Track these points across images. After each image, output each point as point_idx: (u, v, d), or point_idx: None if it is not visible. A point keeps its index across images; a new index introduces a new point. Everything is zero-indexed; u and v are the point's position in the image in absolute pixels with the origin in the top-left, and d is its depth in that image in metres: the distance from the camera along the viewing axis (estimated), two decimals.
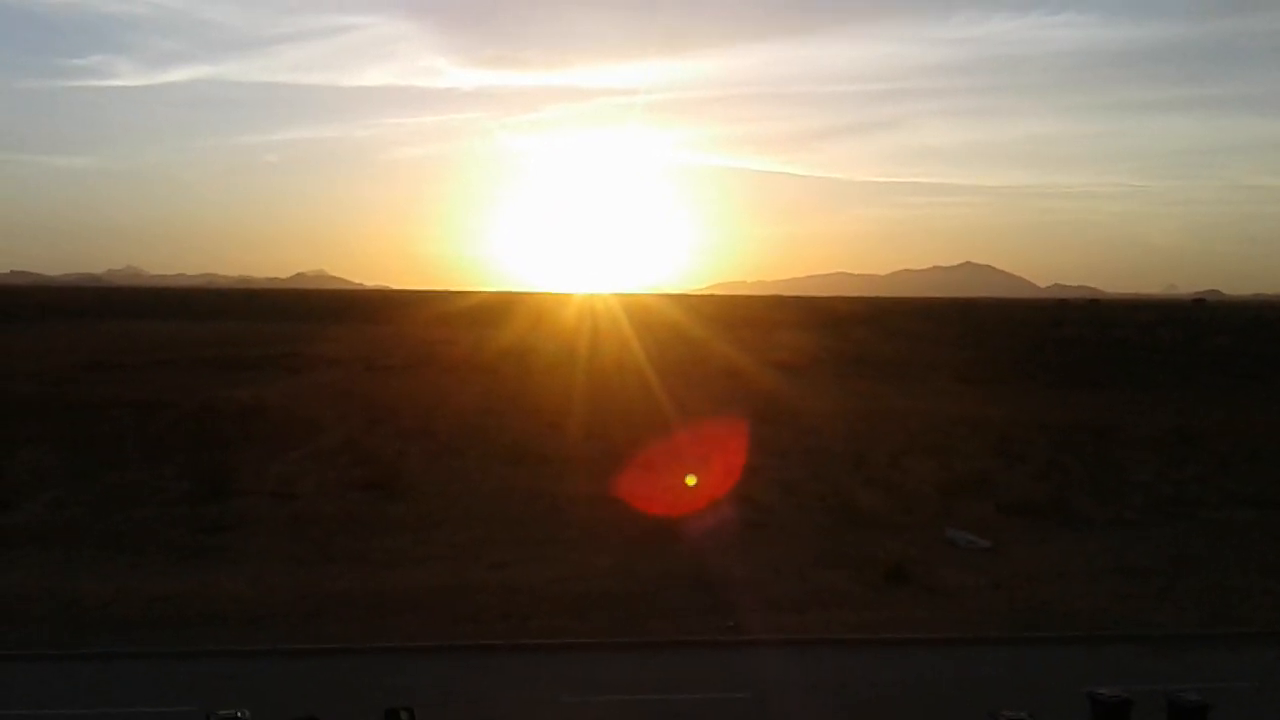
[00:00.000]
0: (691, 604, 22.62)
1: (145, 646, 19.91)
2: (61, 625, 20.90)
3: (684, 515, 29.91)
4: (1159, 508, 32.65)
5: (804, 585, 24.04)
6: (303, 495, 32.75)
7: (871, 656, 20.14)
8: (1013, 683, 18.54)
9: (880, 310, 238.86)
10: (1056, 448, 43.39)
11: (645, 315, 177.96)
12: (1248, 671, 19.36)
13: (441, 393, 61.25)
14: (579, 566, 25.30)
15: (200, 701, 16.23)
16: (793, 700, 17.83)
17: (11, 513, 30.03)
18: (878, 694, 18.18)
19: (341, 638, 20.47)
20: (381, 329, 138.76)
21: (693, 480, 27.51)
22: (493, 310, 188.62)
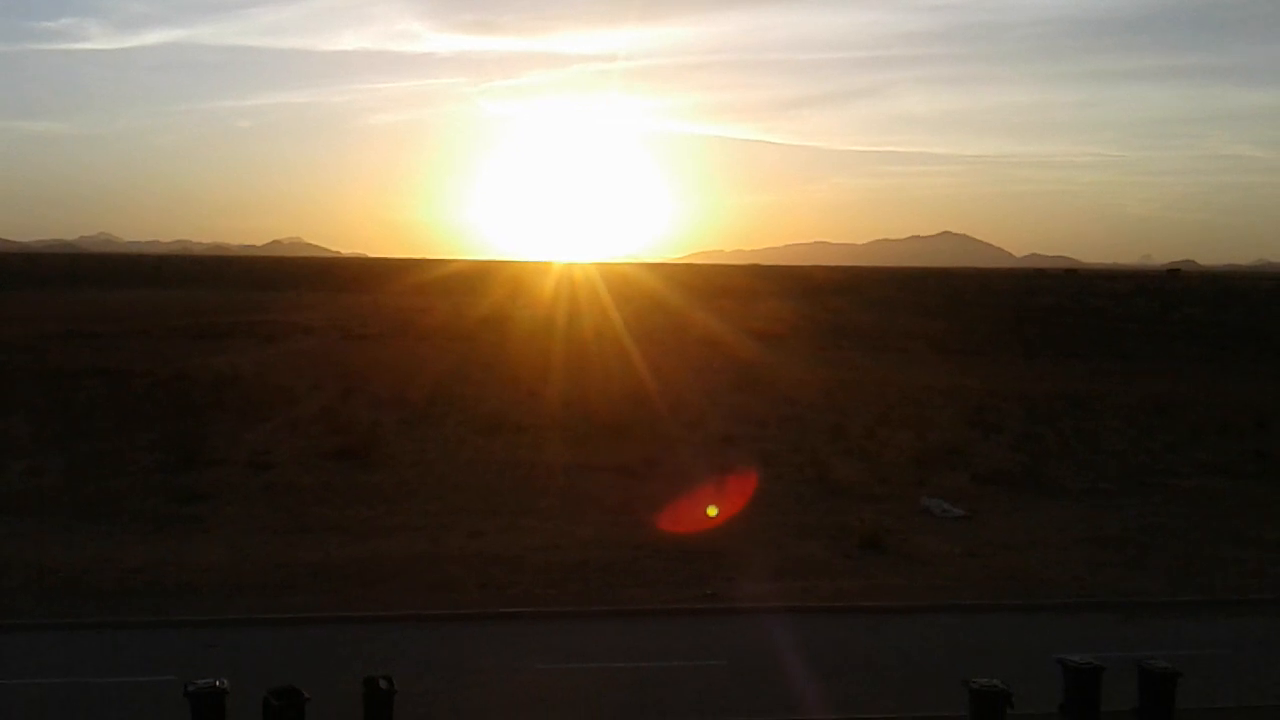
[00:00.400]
0: (669, 573, 22.70)
1: (121, 616, 19.82)
2: (36, 595, 20.76)
3: (663, 485, 29.99)
4: (1133, 477, 32.94)
5: (781, 554, 24.15)
6: (278, 464, 32.60)
7: (847, 624, 20.28)
8: (986, 649, 18.73)
9: (858, 279, 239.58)
10: (1032, 418, 43.69)
11: (623, 284, 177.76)
12: (1218, 639, 19.62)
13: (418, 361, 61.03)
14: (556, 535, 25.33)
15: (178, 671, 16.21)
16: (769, 667, 17.94)
17: None
18: (853, 661, 18.32)
19: (318, 607, 20.43)
20: (358, 297, 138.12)
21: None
22: (470, 279, 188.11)
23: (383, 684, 14.09)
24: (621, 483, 30.68)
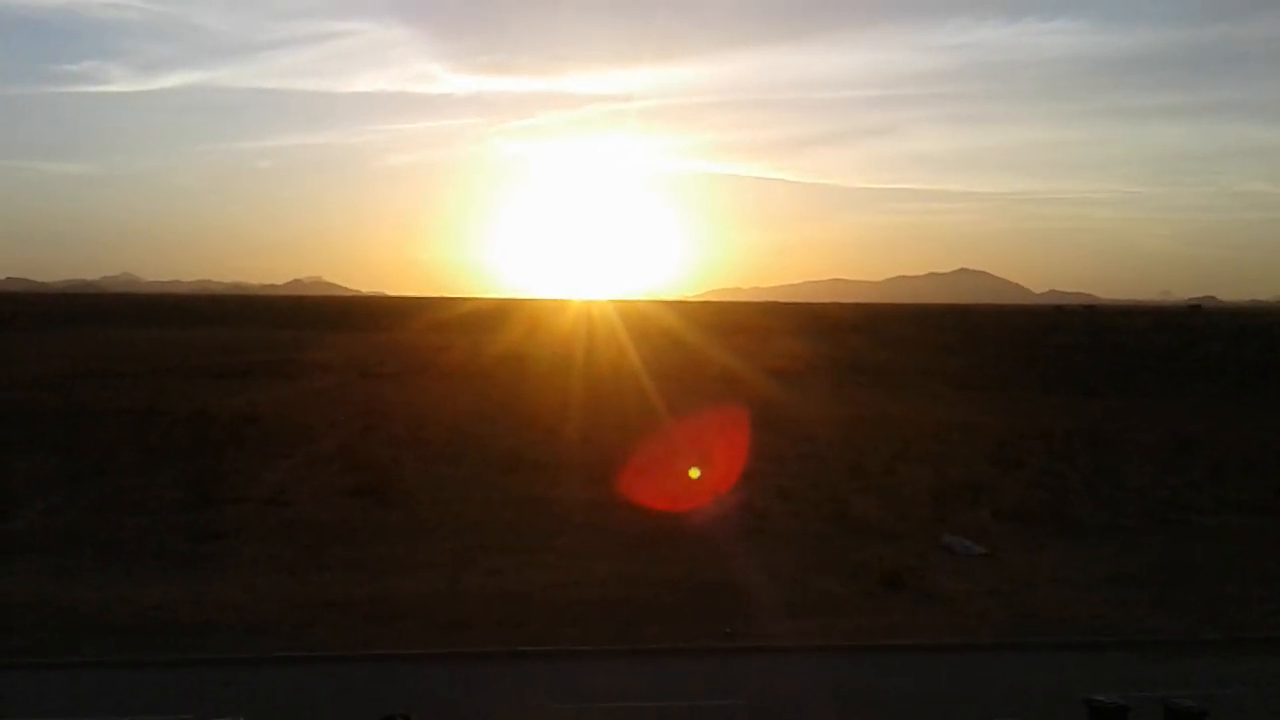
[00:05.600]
0: (688, 610, 22.58)
1: (140, 654, 19.84)
2: (56, 633, 20.82)
3: (680, 521, 29.90)
4: (1155, 514, 32.65)
5: (800, 592, 24.00)
6: (296, 502, 32.67)
7: (867, 663, 20.10)
8: (1009, 689, 18.52)
9: (876, 316, 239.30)
10: (1052, 454, 43.41)
11: (640, 322, 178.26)
12: (1243, 678, 19.36)
13: (437, 399, 61.24)
14: (574, 573, 25.25)
15: (196, 710, 16.19)
16: (787, 707, 17.79)
17: (7, 520, 29.92)
18: (873, 701, 18.14)
19: (335, 645, 20.40)
20: (378, 335, 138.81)
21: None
22: (489, 317, 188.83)
23: None
24: (639, 519, 30.56)
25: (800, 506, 32.79)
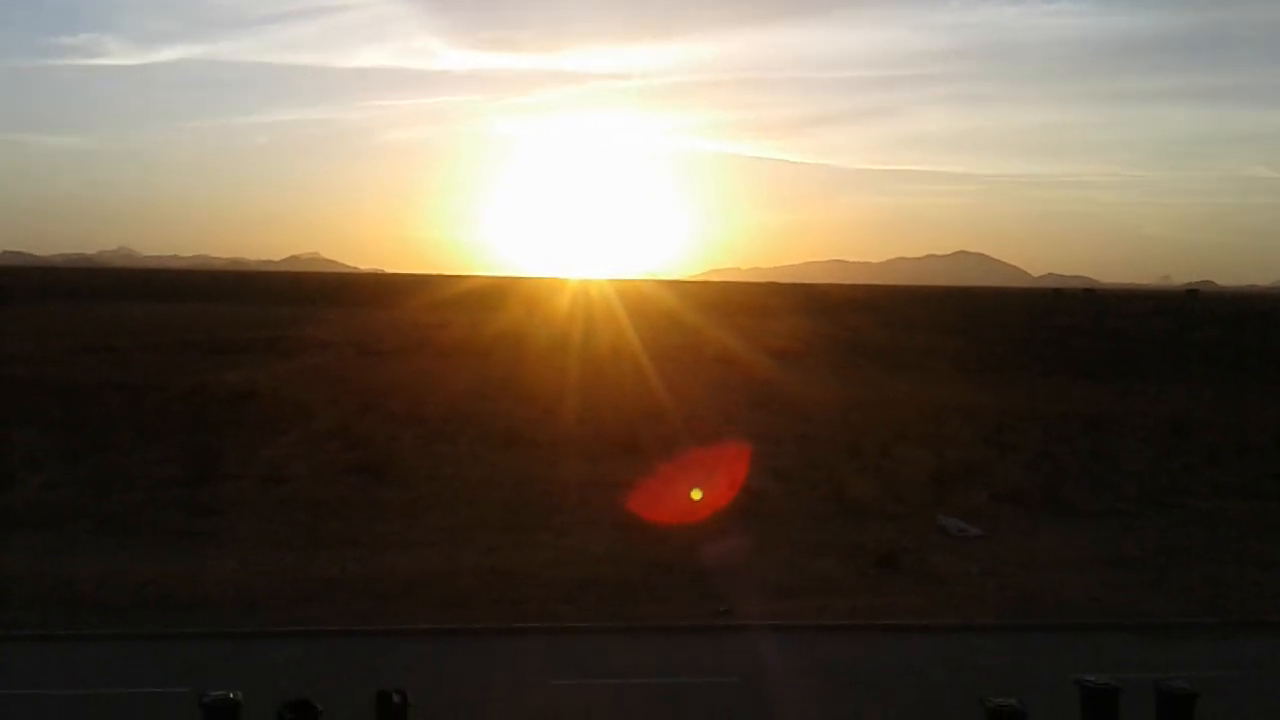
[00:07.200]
0: (683, 589, 22.63)
1: (136, 628, 19.87)
2: (53, 607, 20.84)
3: (678, 501, 29.90)
4: (1151, 498, 32.69)
5: (796, 571, 24.05)
6: (293, 479, 32.65)
7: (862, 642, 20.17)
8: (1002, 670, 18.57)
9: (875, 298, 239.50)
10: (1049, 437, 43.44)
11: (640, 301, 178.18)
12: (1237, 660, 19.44)
13: (434, 377, 61.17)
14: (571, 551, 25.29)
15: (193, 683, 16.23)
16: (783, 685, 17.85)
17: (4, 494, 29.90)
18: (867, 680, 18.20)
19: (332, 621, 20.44)
20: (375, 313, 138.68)
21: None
22: (487, 295, 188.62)
23: (396, 698, 14.07)
24: (636, 499, 30.58)
25: (797, 487, 32.82)
